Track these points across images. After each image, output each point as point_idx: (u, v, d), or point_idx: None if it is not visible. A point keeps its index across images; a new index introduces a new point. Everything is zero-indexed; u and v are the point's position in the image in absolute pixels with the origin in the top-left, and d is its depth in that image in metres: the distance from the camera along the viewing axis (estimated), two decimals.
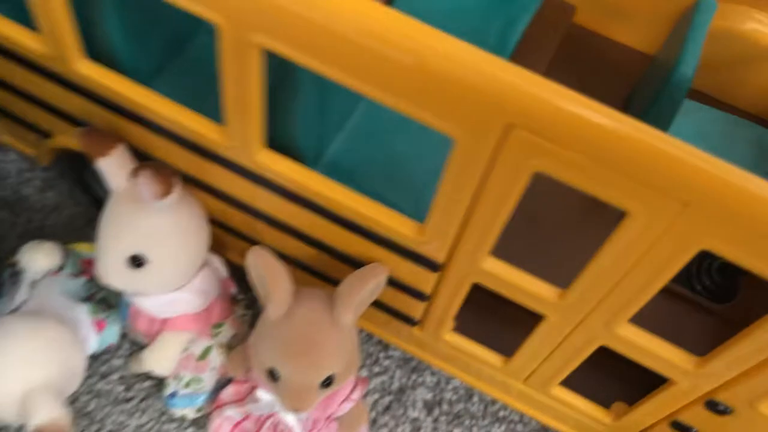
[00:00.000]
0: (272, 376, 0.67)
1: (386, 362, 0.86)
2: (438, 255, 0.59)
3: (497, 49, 0.78)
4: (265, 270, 0.64)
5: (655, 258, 0.47)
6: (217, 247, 0.79)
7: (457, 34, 0.81)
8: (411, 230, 0.59)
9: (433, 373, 0.85)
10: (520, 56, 0.82)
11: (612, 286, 0.52)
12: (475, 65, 0.44)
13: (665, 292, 0.72)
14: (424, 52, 0.44)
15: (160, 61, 0.71)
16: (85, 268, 0.78)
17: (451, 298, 0.64)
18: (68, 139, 0.76)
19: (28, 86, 0.71)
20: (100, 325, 0.76)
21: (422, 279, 0.64)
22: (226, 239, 0.77)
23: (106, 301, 0.79)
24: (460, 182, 0.50)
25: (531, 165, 0.46)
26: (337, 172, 0.69)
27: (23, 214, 0.89)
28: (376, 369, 0.85)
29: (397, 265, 0.64)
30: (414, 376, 0.85)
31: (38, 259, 0.75)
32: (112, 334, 0.78)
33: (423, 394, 0.84)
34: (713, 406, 0.58)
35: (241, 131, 0.58)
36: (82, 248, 0.80)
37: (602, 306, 0.54)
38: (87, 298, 0.78)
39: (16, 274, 0.75)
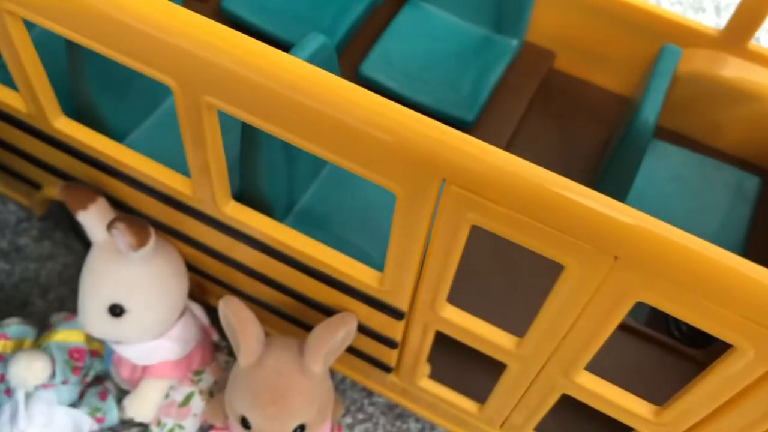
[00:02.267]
0: (244, 424, 0.68)
1: (370, 409, 0.86)
2: (400, 303, 0.60)
3: (471, 98, 0.80)
4: (235, 319, 0.66)
5: (597, 309, 0.48)
6: (198, 293, 0.80)
7: (431, 84, 0.83)
8: (371, 279, 0.60)
9: (417, 420, 0.85)
10: (496, 102, 0.83)
11: (562, 335, 0.52)
12: (406, 126, 0.45)
13: (643, 337, 0.73)
14: (354, 115, 0.46)
15: (139, 115, 0.74)
16: (75, 356, 0.79)
17: (420, 345, 0.65)
18: (56, 191, 0.78)
19: (17, 142, 0.75)
20: (99, 420, 0.79)
21: (390, 327, 0.64)
22: (207, 286, 0.79)
23: (99, 377, 0.81)
24: (407, 234, 0.51)
25: (468, 218, 0.47)
26: (309, 220, 0.71)
27: (20, 263, 0.92)
28: (360, 416, 0.86)
29: (366, 314, 0.65)
30: (398, 423, 0.85)
31: (29, 378, 0.73)
32: (111, 419, 0.79)
33: None
34: None
35: (206, 185, 0.60)
36: (65, 338, 0.79)
37: (557, 355, 0.54)
38: (86, 385, 0.79)
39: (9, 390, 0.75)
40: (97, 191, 0.70)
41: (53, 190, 0.79)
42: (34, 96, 0.63)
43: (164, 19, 0.49)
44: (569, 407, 0.64)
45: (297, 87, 0.47)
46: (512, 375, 0.60)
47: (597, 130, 0.84)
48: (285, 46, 0.61)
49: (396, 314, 0.62)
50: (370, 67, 0.81)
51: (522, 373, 0.59)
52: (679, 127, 0.85)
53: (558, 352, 0.54)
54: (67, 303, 0.89)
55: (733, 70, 0.78)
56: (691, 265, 0.42)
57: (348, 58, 0.85)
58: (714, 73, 0.79)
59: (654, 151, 0.80)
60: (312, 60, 0.62)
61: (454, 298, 0.71)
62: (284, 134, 0.50)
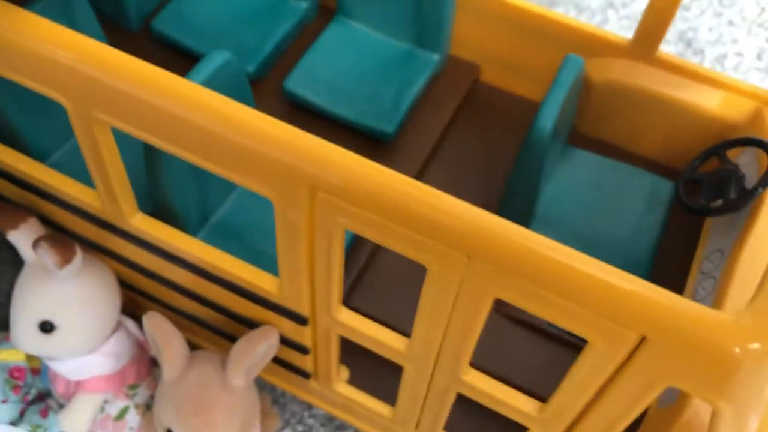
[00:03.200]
0: None
1: (310, 421, 0.88)
2: (302, 309, 0.62)
3: (391, 110, 0.82)
4: (158, 334, 0.68)
5: (463, 306, 0.50)
6: (131, 307, 0.83)
7: (354, 98, 0.85)
8: (271, 285, 0.62)
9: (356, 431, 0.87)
10: (419, 115, 0.86)
11: (441, 334, 0.54)
12: (273, 136, 0.48)
13: (558, 340, 0.74)
14: (233, 130, 0.48)
15: (62, 135, 0.76)
16: (15, 375, 0.81)
17: (327, 349, 0.67)
18: None
19: None
20: None
21: (298, 333, 0.66)
22: (138, 300, 0.81)
23: (41, 394, 0.82)
24: (288, 238, 0.54)
25: (339, 222, 0.50)
26: (224, 233, 0.73)
27: None
28: (300, 428, 0.87)
29: (276, 322, 0.67)
30: None
31: None
32: None
33: None
34: None
35: (110, 198, 0.62)
36: (6, 357, 0.81)
37: (443, 354, 0.56)
38: (28, 403, 0.81)
39: None
40: (27, 211, 0.73)
41: None
42: None
43: (52, 39, 0.51)
44: (478, 408, 0.65)
45: (172, 103, 0.49)
46: (409, 376, 0.62)
47: (519, 140, 0.87)
48: None
49: (300, 320, 0.64)
50: (294, 83, 0.84)
51: (417, 374, 0.61)
52: (599, 134, 0.87)
53: (442, 351, 0.56)
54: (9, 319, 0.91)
55: (643, 77, 0.80)
56: (537, 264, 0.44)
57: (276, 75, 0.88)
58: (626, 81, 0.81)
59: (571, 159, 0.82)
60: (215, 76, 0.65)
61: (375, 306, 0.73)
62: (170, 148, 0.53)
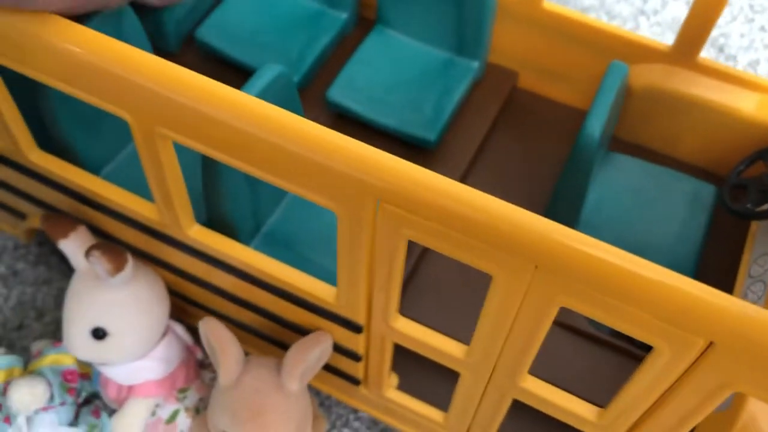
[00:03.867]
0: None
1: (356, 424, 0.89)
2: (357, 317, 0.63)
3: (433, 118, 0.83)
4: (215, 340, 0.69)
5: (527, 314, 0.50)
6: (180, 314, 0.84)
7: (396, 106, 0.87)
8: (328, 295, 0.63)
9: None
10: (460, 123, 0.87)
11: (502, 341, 0.55)
12: (340, 150, 0.49)
13: (608, 346, 0.75)
14: (298, 143, 0.49)
15: (114, 147, 0.78)
16: (68, 378, 0.82)
17: (381, 356, 0.68)
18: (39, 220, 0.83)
19: None
20: None
21: (351, 340, 0.67)
22: (188, 308, 0.82)
23: (88, 398, 0.85)
24: (351, 251, 0.55)
25: (403, 234, 0.50)
26: (275, 242, 0.74)
27: (17, 287, 0.96)
28: (346, 431, 0.88)
29: (329, 329, 0.68)
30: None
31: (31, 402, 0.76)
32: None
33: None
34: None
35: (168, 210, 0.64)
36: (57, 361, 0.82)
37: (502, 360, 0.57)
38: (79, 405, 0.83)
39: (9, 417, 0.78)
40: (77, 220, 0.74)
41: (37, 220, 0.83)
42: (7, 132, 0.68)
43: (117, 56, 0.53)
44: (529, 414, 0.66)
45: (239, 118, 0.50)
46: (466, 383, 0.63)
47: (560, 146, 0.87)
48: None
49: (355, 328, 0.65)
50: (336, 93, 0.85)
51: (474, 381, 0.62)
52: (638, 139, 0.88)
53: (502, 357, 0.57)
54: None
55: (685, 83, 0.81)
56: (603, 272, 0.45)
57: (319, 85, 0.89)
58: (666, 87, 0.81)
59: (612, 164, 0.83)
60: (268, 89, 0.66)
61: (422, 312, 0.74)
62: (232, 162, 0.54)
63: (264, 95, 0.66)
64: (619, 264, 0.44)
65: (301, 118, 0.49)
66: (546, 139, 0.88)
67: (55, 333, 0.92)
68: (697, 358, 0.46)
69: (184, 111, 0.52)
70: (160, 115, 0.54)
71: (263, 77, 0.66)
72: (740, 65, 1.22)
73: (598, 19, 1.26)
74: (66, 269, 0.97)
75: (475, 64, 0.88)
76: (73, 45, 0.53)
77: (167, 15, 0.85)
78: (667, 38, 1.23)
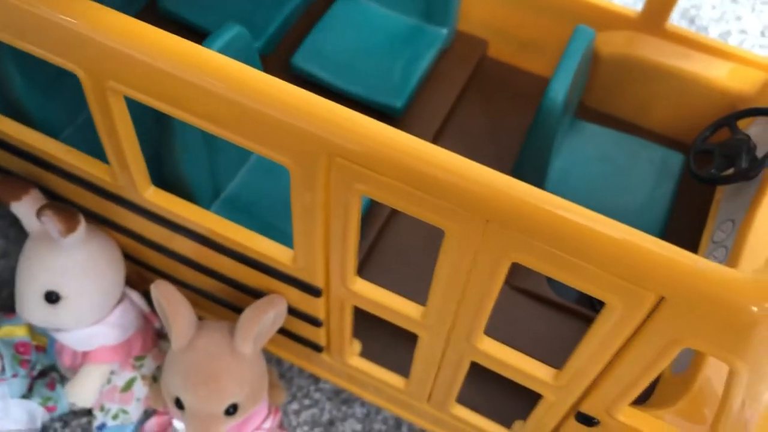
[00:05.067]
0: (179, 404, 0.70)
1: (317, 395, 0.88)
2: (316, 280, 0.63)
3: (400, 85, 0.82)
4: (166, 303, 0.68)
5: (479, 271, 0.50)
6: (138, 281, 0.83)
7: (362, 73, 0.85)
8: (285, 258, 0.62)
9: (362, 405, 0.87)
10: (428, 90, 0.86)
11: (456, 301, 0.54)
12: (293, 104, 0.48)
13: (571, 312, 0.75)
14: (251, 97, 0.48)
15: (71, 113, 0.76)
16: (21, 350, 0.81)
17: (341, 321, 0.67)
18: None
19: None
20: (51, 409, 0.81)
21: (311, 305, 0.67)
22: (145, 274, 0.81)
23: (43, 370, 0.83)
24: (304, 208, 0.54)
25: (357, 189, 0.50)
26: (236, 207, 0.73)
27: None
28: (307, 402, 0.88)
29: (288, 294, 0.67)
30: (344, 408, 0.87)
31: None
32: (62, 407, 0.82)
33: (353, 426, 0.86)
34: (584, 420, 0.60)
35: (123, 171, 0.62)
36: (9, 333, 0.82)
37: (458, 321, 0.57)
38: (33, 378, 0.82)
39: None
40: (30, 182, 0.73)
41: None
42: None
43: (65, 7, 0.51)
44: (494, 383, 0.66)
45: (191, 71, 0.49)
46: (424, 345, 0.62)
47: (528, 115, 0.86)
48: None
49: (314, 291, 0.64)
50: (301, 59, 0.83)
51: (432, 342, 0.61)
52: (607, 108, 0.87)
53: (458, 318, 0.56)
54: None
55: (653, 50, 0.80)
56: (553, 226, 0.44)
57: (283, 51, 0.88)
58: (635, 54, 0.81)
59: (579, 132, 0.82)
60: (227, 48, 0.65)
61: (387, 279, 0.73)
62: (185, 116, 0.53)
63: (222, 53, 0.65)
64: (569, 217, 0.44)
65: (255, 70, 0.48)
66: (514, 108, 0.87)
67: (12, 307, 0.91)
68: (649, 314, 0.46)
69: (134, 64, 0.51)
70: (111, 70, 0.53)
71: (221, 36, 0.65)
72: (711, 36, 1.22)
73: None
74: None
75: (444, 32, 0.87)
76: None
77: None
78: (638, 6, 1.22)
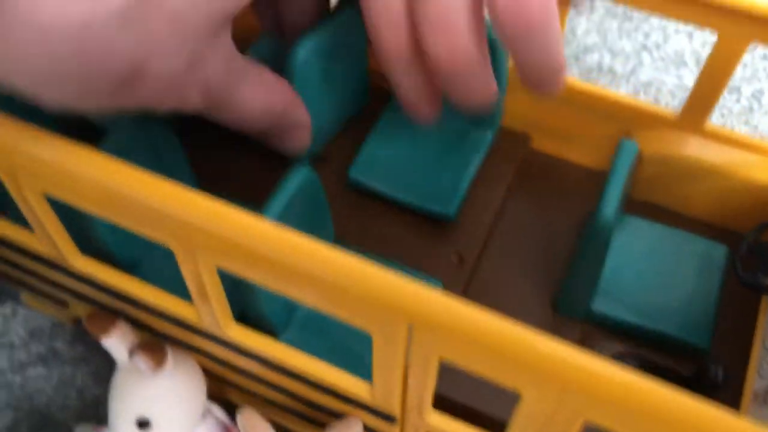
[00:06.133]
0: None
1: None
2: (391, 410, 0.67)
3: (451, 192, 0.86)
4: (252, 430, 0.73)
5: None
6: (216, 391, 0.88)
7: (415, 181, 0.89)
8: (363, 392, 0.67)
9: None
10: (477, 192, 0.89)
11: None
12: (375, 281, 0.52)
13: None
14: (339, 278, 0.52)
15: (145, 250, 0.81)
16: None
17: None
18: (81, 310, 0.86)
19: (41, 271, 0.83)
20: None
21: (385, 429, 0.71)
22: (222, 386, 0.86)
23: None
24: (386, 365, 0.58)
25: (436, 354, 0.54)
26: (309, 327, 0.78)
27: (57, 367, 1.00)
28: None
29: (362, 416, 0.71)
30: None
31: None
32: None
33: None
34: None
35: (207, 313, 0.67)
36: None
37: None
38: None
39: None
40: (117, 316, 0.78)
41: (79, 309, 0.87)
42: (53, 240, 0.72)
43: (154, 192, 0.56)
44: None
45: (273, 250, 0.54)
46: None
47: (576, 206, 0.90)
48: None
49: (389, 419, 0.68)
50: (358, 172, 0.88)
51: None
52: (652, 199, 0.90)
53: None
54: (103, 402, 0.97)
55: (693, 148, 0.84)
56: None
57: (333, 153, 0.92)
58: (675, 153, 0.84)
59: (628, 228, 0.86)
60: (296, 195, 0.70)
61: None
62: (271, 286, 0.57)
63: (292, 201, 0.70)
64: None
65: (334, 248, 0.52)
66: (562, 200, 0.91)
67: (96, 411, 0.96)
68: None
69: (222, 242, 0.55)
70: (202, 246, 0.57)
71: (292, 183, 0.70)
72: (744, 96, 1.25)
73: (600, 57, 1.28)
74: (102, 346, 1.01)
75: (489, 135, 0.90)
76: (116, 183, 0.56)
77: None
78: (670, 74, 1.25)
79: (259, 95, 0.76)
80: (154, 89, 0.63)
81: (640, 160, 0.86)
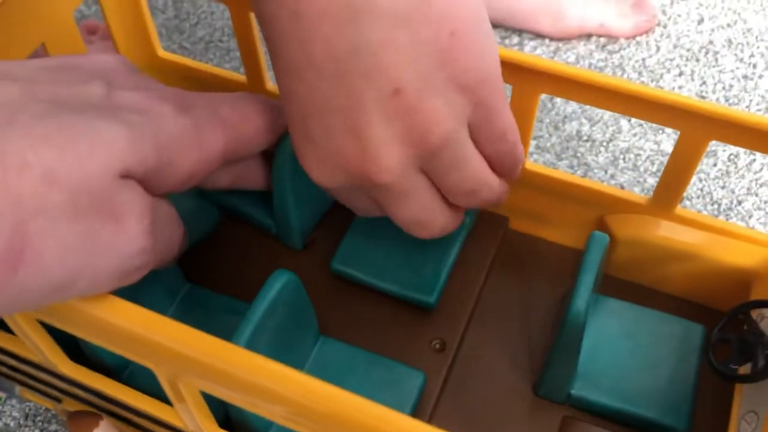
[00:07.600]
0: None
1: None
2: None
3: (432, 281, 0.88)
4: None
5: None
6: None
7: (395, 271, 0.91)
8: None
9: None
10: (457, 273, 0.91)
11: None
12: (362, 413, 0.54)
13: None
14: (323, 404, 0.54)
15: None
16: None
17: None
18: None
19: (33, 373, 0.85)
20: None
21: None
22: None
23: None
24: None
25: None
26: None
27: None
28: None
29: None
30: None
31: None
32: None
33: None
34: None
35: (192, 422, 0.69)
36: None
37: None
38: None
39: None
40: (100, 416, 0.80)
41: (72, 404, 0.89)
42: (41, 350, 0.74)
43: (142, 322, 0.58)
44: None
45: (265, 381, 0.56)
46: None
47: (556, 284, 0.92)
48: None
49: None
50: (340, 263, 0.90)
51: None
52: (628, 277, 0.93)
53: None
54: None
55: (664, 232, 0.86)
56: None
57: (320, 249, 0.95)
58: (647, 236, 0.87)
59: (604, 309, 0.88)
60: (278, 297, 0.72)
61: None
62: (254, 410, 0.59)
63: (275, 304, 0.72)
64: None
65: (324, 383, 0.54)
66: (541, 279, 0.93)
67: None
68: None
69: (204, 369, 0.58)
70: (183, 369, 0.59)
71: (272, 288, 0.72)
72: (720, 160, 1.27)
73: (580, 125, 1.31)
74: None
75: (468, 220, 0.93)
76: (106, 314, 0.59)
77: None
78: (649, 139, 1.28)
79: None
80: None
81: (614, 242, 0.88)
